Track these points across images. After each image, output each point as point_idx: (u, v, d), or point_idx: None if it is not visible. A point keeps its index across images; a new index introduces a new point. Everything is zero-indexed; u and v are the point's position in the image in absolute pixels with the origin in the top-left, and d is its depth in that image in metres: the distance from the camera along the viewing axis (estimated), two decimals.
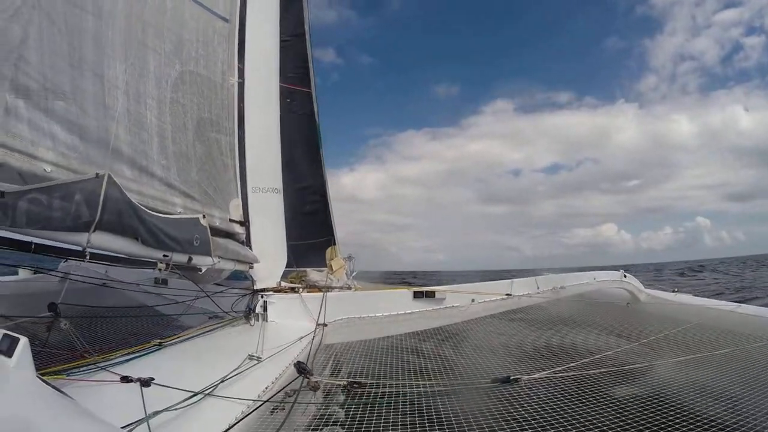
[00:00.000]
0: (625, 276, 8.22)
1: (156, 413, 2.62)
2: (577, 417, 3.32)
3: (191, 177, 5.10)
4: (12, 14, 3.37)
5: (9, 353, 2.17)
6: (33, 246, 3.57)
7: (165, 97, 4.84)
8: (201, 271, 5.16)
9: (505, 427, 3.15)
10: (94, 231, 3.69)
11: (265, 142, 6.37)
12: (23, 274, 8.22)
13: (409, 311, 6.24)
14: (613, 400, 3.69)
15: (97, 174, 3.71)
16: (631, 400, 3.75)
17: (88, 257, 3.83)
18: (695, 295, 8.63)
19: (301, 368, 3.88)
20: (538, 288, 7.14)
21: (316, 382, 3.71)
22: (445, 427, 3.18)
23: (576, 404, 3.59)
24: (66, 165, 3.71)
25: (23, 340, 2.23)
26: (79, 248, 3.73)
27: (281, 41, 6.86)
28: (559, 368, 4.17)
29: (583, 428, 3.16)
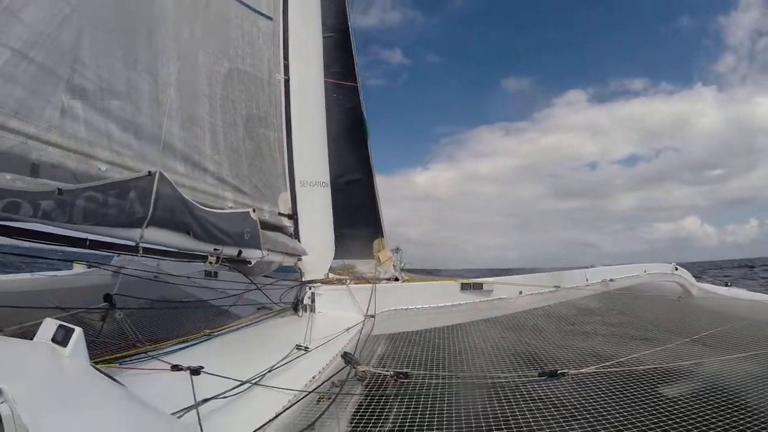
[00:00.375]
0: (676, 269, 7.83)
1: (205, 401, 2.66)
2: (625, 414, 3.18)
3: (242, 172, 5.13)
4: (62, 20, 3.41)
5: (64, 343, 2.24)
6: (88, 242, 3.62)
7: (215, 93, 4.88)
8: (250, 264, 5.17)
9: (551, 421, 3.05)
10: (146, 227, 3.75)
11: (312, 137, 6.36)
12: (78, 268, 8.25)
13: (457, 303, 6.10)
14: (663, 398, 3.55)
15: (149, 172, 3.76)
16: (682, 398, 3.58)
17: (141, 252, 3.90)
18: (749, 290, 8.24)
19: (348, 358, 3.86)
20: (587, 280, 6.86)
21: (363, 372, 3.68)
22: (491, 419, 3.11)
23: (624, 400, 3.44)
24: (120, 163, 3.75)
25: (78, 331, 2.28)
26: (133, 243, 3.79)
27: (324, 37, 6.83)
28: (607, 363, 4.05)
29: (630, 425, 3.04)
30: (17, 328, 4.01)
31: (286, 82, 6.02)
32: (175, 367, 3.20)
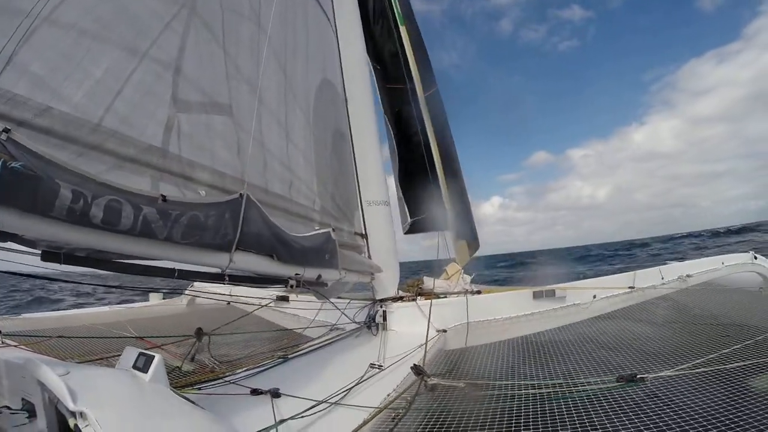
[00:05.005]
0: (755, 258, 7.15)
1: (283, 421, 2.61)
2: (708, 417, 2.65)
3: (328, 190, 4.57)
4: (169, 22, 2.75)
5: (145, 369, 2.30)
6: (176, 272, 3.12)
7: (309, 106, 4.28)
8: (326, 285, 4.70)
9: (631, 428, 2.61)
10: (234, 251, 3.20)
11: (370, 154, 5.82)
12: (154, 299, 7.99)
13: (530, 312, 5.66)
14: (748, 395, 2.98)
15: (240, 194, 3.18)
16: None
17: (227, 279, 3.40)
18: None
19: (418, 370, 3.69)
20: (662, 278, 6.36)
21: (434, 384, 3.52)
22: (569, 428, 2.70)
23: (707, 403, 2.89)
24: (220, 185, 3.12)
25: (157, 357, 2.35)
26: (219, 271, 3.28)
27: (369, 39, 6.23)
28: (683, 366, 3.54)
29: (715, 426, 2.53)
30: (99, 358, 4.06)
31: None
32: (255, 391, 3.11)
